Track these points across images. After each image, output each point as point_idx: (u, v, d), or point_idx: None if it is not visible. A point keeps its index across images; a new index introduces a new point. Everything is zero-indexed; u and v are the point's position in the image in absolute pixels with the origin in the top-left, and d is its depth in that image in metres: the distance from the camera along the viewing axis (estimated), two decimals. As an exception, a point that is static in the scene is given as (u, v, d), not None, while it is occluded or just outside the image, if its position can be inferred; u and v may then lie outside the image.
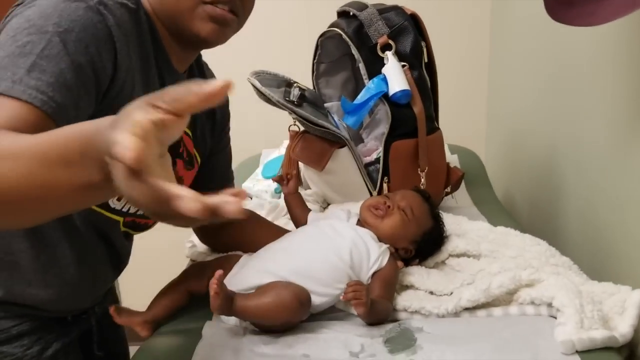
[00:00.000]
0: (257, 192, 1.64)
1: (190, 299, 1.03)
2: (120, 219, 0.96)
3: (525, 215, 1.77)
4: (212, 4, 0.84)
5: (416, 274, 1.05)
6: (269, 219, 1.36)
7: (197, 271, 1.05)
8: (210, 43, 0.89)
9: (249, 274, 0.97)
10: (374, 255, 1.00)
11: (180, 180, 1.01)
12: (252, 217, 1.19)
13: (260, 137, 2.06)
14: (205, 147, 1.09)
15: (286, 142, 1.73)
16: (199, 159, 1.07)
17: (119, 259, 1.04)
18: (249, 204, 1.49)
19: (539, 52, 1.64)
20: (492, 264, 1.03)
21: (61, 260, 0.90)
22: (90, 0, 0.75)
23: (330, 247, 0.99)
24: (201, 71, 1.06)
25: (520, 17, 1.84)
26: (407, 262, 1.08)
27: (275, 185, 1.61)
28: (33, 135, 0.56)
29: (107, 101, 0.79)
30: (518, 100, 1.88)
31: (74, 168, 0.51)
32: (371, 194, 1.36)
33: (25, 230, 0.85)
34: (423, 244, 1.07)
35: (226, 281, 0.99)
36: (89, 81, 0.74)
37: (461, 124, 2.03)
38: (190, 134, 1.02)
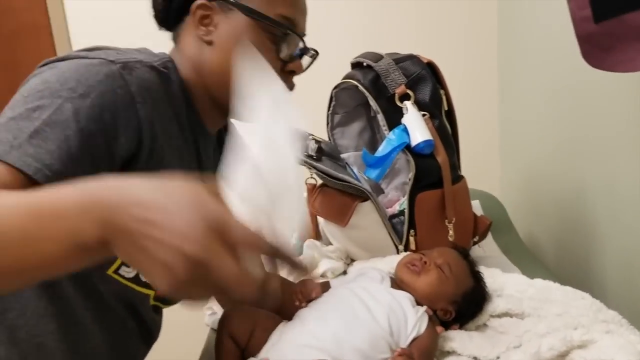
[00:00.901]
0: (275, 249, 1.58)
1: None
2: (151, 293, 0.91)
3: (553, 260, 1.71)
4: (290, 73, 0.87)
5: (457, 339, 0.98)
6: (290, 278, 1.30)
7: (237, 319, 0.98)
8: None
9: (288, 349, 0.91)
10: (411, 320, 0.94)
11: None
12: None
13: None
14: None
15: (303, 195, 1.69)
16: None
17: (150, 334, 0.98)
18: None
19: (555, 90, 1.61)
20: (538, 324, 0.97)
21: (91, 340, 0.85)
22: (114, 65, 0.73)
23: (367, 314, 0.93)
24: (226, 128, 1.03)
25: (529, 53, 1.82)
26: (447, 326, 1.02)
27: (294, 240, 1.56)
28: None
29: (139, 166, 0.76)
30: (532, 140, 1.85)
31: (67, 222, 0.49)
32: (397, 248, 1.31)
33: (53, 310, 0.79)
34: (463, 304, 1.01)
35: (265, 351, 0.93)
36: (99, 149, 0.71)
37: (473, 164, 2.00)
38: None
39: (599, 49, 0.81)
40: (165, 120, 0.80)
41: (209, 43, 0.84)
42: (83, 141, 0.69)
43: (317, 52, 0.91)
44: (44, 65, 0.75)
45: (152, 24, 0.93)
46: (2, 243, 0.50)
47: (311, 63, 0.92)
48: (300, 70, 0.90)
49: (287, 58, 0.87)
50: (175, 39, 0.90)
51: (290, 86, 0.89)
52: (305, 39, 0.91)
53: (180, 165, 0.83)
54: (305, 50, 0.90)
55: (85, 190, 0.51)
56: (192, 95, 0.85)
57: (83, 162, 0.69)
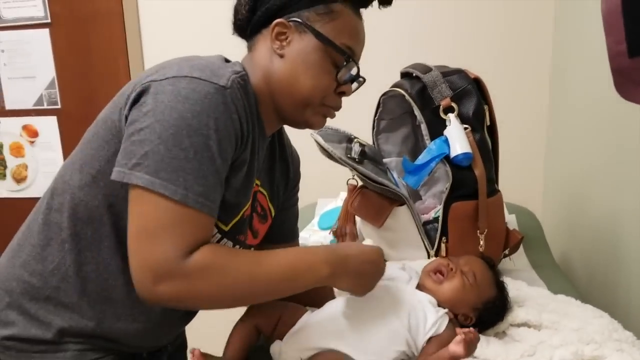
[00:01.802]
0: (314, 243, 1.66)
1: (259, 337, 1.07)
2: None
3: (584, 280, 1.73)
4: (333, 108, 1.01)
5: (475, 342, 1.04)
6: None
7: (264, 310, 1.07)
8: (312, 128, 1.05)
9: (311, 334, 0.99)
10: (431, 320, 1.00)
11: (256, 234, 1.07)
12: None
13: (316, 186, 2.09)
14: (278, 202, 1.14)
15: (343, 194, 1.77)
16: (273, 213, 1.12)
17: None
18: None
19: (605, 113, 1.63)
20: (554, 336, 1.02)
21: None
22: (226, 91, 0.85)
23: (389, 308, 1.00)
24: (280, 132, 1.14)
25: (581, 78, 1.84)
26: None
27: (331, 237, 1.63)
28: (268, 254, 0.89)
29: (233, 168, 0.91)
30: (577, 162, 1.86)
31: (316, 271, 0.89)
32: (428, 253, 1.37)
33: (122, 267, 0.91)
34: (484, 312, 1.06)
35: (285, 339, 1.02)
36: (225, 172, 0.88)
37: (517, 181, 2.03)
38: (267, 191, 1.09)
39: (631, 83, 0.85)
40: (249, 129, 0.92)
41: (281, 56, 0.96)
42: (222, 170, 0.86)
43: (364, 80, 1.03)
44: (153, 80, 0.85)
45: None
46: (277, 281, 0.87)
47: (357, 88, 1.04)
48: (349, 93, 1.02)
49: (342, 81, 0.99)
50: (250, 47, 1.01)
51: (339, 106, 1.02)
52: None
53: (251, 165, 0.95)
54: (357, 77, 1.01)
55: (329, 256, 0.91)
56: (259, 100, 0.96)
57: (221, 187, 0.87)
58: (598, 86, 1.66)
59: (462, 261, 1.10)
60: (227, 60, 0.96)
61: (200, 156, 0.81)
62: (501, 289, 1.10)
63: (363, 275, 0.95)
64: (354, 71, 0.99)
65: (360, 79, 1.02)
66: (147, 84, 0.85)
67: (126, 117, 0.86)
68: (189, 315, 1.11)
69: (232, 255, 0.86)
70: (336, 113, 1.03)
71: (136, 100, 0.85)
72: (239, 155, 0.90)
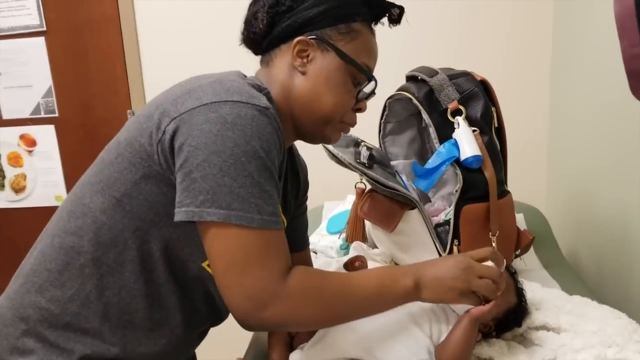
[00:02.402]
0: (323, 247, 1.66)
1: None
2: None
3: (594, 278, 1.73)
4: (350, 125, 1.03)
5: (495, 347, 1.04)
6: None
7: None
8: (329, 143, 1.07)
9: (334, 344, 0.98)
10: (453, 324, 1.00)
11: None
12: None
13: (322, 189, 2.08)
14: (290, 213, 1.13)
15: (350, 197, 1.76)
16: (285, 224, 1.11)
17: (219, 316, 1.07)
18: (316, 262, 1.51)
19: (605, 109, 1.63)
20: (574, 340, 1.01)
21: (172, 321, 0.96)
22: (268, 111, 0.85)
23: (412, 317, 0.99)
24: (291, 149, 1.14)
25: (581, 75, 1.84)
26: (484, 336, 1.07)
27: (340, 241, 1.63)
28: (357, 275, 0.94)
29: None
30: (580, 158, 1.86)
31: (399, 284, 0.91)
32: (440, 256, 1.36)
33: (146, 291, 0.91)
34: (504, 319, 1.06)
35: (306, 348, 1.01)
36: (280, 188, 0.91)
37: (521, 179, 2.03)
38: (280, 203, 1.07)
39: (648, 85, 0.85)
40: (282, 139, 0.92)
41: (303, 73, 0.96)
42: (278, 185, 0.88)
43: (375, 94, 1.05)
44: (200, 105, 0.84)
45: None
46: (368, 297, 0.90)
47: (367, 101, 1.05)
48: (364, 109, 1.03)
49: (360, 99, 1.00)
50: (267, 61, 1.00)
51: (355, 122, 1.03)
52: None
53: (283, 171, 0.96)
54: (372, 94, 1.03)
55: (409, 268, 0.94)
56: (278, 114, 0.95)
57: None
58: (598, 81, 1.66)
59: None
60: (243, 77, 0.96)
61: (263, 177, 0.82)
62: (520, 295, 1.10)
63: (445, 279, 0.92)
64: (370, 89, 1.01)
65: (373, 94, 1.04)
66: (185, 114, 0.83)
67: (170, 150, 0.84)
68: (205, 332, 1.10)
69: (324, 276, 0.89)
70: None
71: (175, 131, 0.83)
72: (280, 168, 0.91)
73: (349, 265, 1.16)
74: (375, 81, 1.00)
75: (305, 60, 0.96)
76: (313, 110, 0.97)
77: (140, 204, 0.88)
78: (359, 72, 0.97)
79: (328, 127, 1.00)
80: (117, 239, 0.89)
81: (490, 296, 0.94)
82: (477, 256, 0.97)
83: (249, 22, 1.00)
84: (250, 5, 1.00)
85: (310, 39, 0.95)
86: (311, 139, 1.04)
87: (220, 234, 0.81)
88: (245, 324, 0.85)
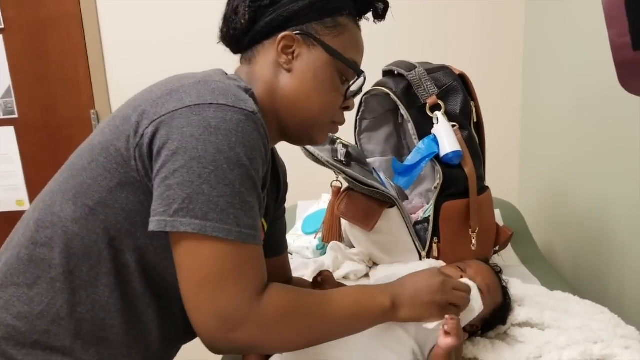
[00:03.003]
0: (298, 248, 1.61)
1: None
2: None
3: (569, 271, 1.73)
4: (338, 124, 0.97)
5: (480, 346, 1.02)
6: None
7: None
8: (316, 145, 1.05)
9: (312, 349, 0.94)
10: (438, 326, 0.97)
11: None
12: (299, 284, 1.18)
13: (295, 188, 2.04)
14: (270, 216, 1.08)
15: (325, 195, 1.73)
16: (266, 229, 1.06)
17: None
18: (292, 263, 1.47)
19: (577, 102, 1.63)
20: (559, 336, 0.99)
21: (148, 337, 0.89)
22: (255, 116, 0.79)
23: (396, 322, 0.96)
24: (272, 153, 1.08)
25: (554, 65, 1.84)
26: (470, 335, 1.05)
27: (317, 241, 1.59)
28: (329, 294, 0.87)
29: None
30: (553, 152, 1.87)
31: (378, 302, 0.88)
32: (420, 255, 1.34)
33: (122, 306, 0.84)
34: (490, 319, 1.04)
35: (285, 354, 0.97)
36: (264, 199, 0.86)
37: (493, 175, 2.02)
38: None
39: (635, 75, 0.83)
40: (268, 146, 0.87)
41: (289, 70, 0.91)
42: (261, 196, 0.82)
43: (361, 91, 1.00)
44: (179, 108, 0.78)
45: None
46: (345, 318, 0.85)
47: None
48: (352, 108, 0.99)
49: (348, 96, 0.96)
50: (248, 59, 0.94)
51: (343, 121, 0.98)
52: None
53: (267, 180, 0.90)
54: (360, 91, 0.98)
55: (385, 288, 0.90)
56: (263, 115, 0.90)
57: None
58: (569, 76, 1.67)
59: (473, 271, 1.06)
60: (225, 74, 0.90)
61: (245, 187, 0.77)
62: (506, 295, 1.08)
63: (422, 296, 0.90)
64: (359, 85, 0.96)
65: (360, 92, 0.99)
66: (165, 116, 0.78)
67: (148, 155, 0.78)
68: (181, 345, 1.04)
69: (302, 295, 0.83)
70: None
71: (154, 134, 0.77)
72: (265, 178, 0.86)
73: (314, 282, 1.11)
74: (365, 77, 0.95)
75: (290, 57, 0.90)
76: (300, 110, 0.92)
77: (115, 213, 0.81)
78: (348, 67, 0.92)
79: (316, 128, 0.95)
80: (91, 250, 0.82)
81: (463, 308, 0.94)
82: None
83: (228, 18, 0.94)
84: (230, 0, 0.95)
85: (296, 34, 0.89)
86: (297, 140, 0.98)
87: (193, 247, 0.75)
88: (213, 346, 0.78)
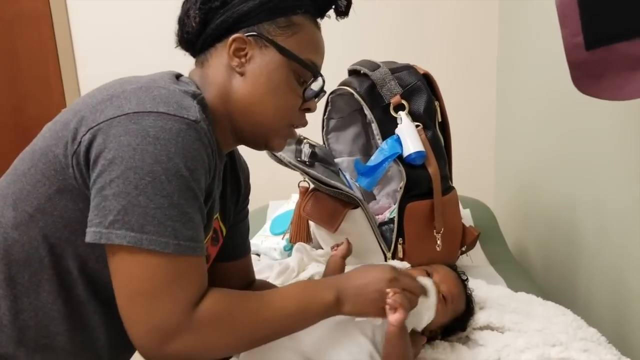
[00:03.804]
0: (266, 249, 1.59)
1: None
2: None
3: (541, 272, 1.73)
4: (297, 126, 0.94)
5: (439, 349, 1.01)
6: (279, 281, 1.32)
7: None
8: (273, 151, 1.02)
9: (267, 347, 0.92)
10: None
11: (207, 258, 0.98)
12: (262, 287, 1.16)
13: (267, 188, 2.02)
14: (229, 220, 1.06)
15: (295, 196, 1.70)
16: (224, 232, 1.04)
17: None
18: (258, 264, 1.45)
19: (550, 104, 1.63)
20: (518, 339, 0.99)
21: (96, 343, 0.87)
22: (197, 125, 0.76)
23: (352, 321, 0.94)
24: (231, 152, 1.06)
25: (527, 69, 1.84)
26: (429, 339, 1.03)
27: (284, 242, 1.57)
28: (273, 293, 0.85)
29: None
30: (527, 152, 1.86)
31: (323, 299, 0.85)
32: (385, 255, 1.32)
33: (66, 312, 0.82)
34: (450, 326, 1.03)
35: (246, 354, 0.95)
36: (205, 208, 0.82)
37: (468, 173, 2.02)
38: (219, 211, 1.00)
39: (588, 76, 0.82)
40: (215, 159, 0.84)
41: (241, 74, 0.88)
42: (202, 207, 0.79)
43: (325, 92, 0.96)
44: (113, 117, 0.75)
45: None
46: (288, 317, 0.83)
47: (318, 100, 0.97)
48: (314, 109, 0.95)
49: (308, 98, 0.92)
50: (202, 62, 0.92)
51: (304, 123, 0.95)
52: None
53: (213, 190, 0.87)
54: (321, 92, 0.94)
55: (331, 282, 0.89)
56: (214, 121, 0.87)
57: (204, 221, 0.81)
58: (543, 76, 1.66)
59: (439, 277, 1.04)
60: (177, 77, 0.87)
61: (184, 199, 0.74)
62: (469, 302, 1.07)
63: (367, 293, 0.86)
64: (318, 86, 0.93)
65: (323, 93, 0.96)
66: (103, 123, 0.75)
67: (85, 163, 0.76)
68: (134, 350, 1.02)
69: (239, 299, 0.81)
70: None
71: (91, 142, 0.75)
72: (209, 188, 0.83)
73: None
74: (323, 77, 0.93)
75: (243, 60, 0.87)
76: (254, 114, 0.89)
77: (54, 221, 0.79)
78: (304, 68, 0.89)
79: (271, 133, 0.92)
80: (31, 257, 0.80)
81: (408, 310, 0.88)
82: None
83: (182, 21, 0.91)
84: (184, 3, 0.92)
85: (247, 35, 0.87)
86: (253, 145, 0.95)
87: (128, 259, 0.73)
88: (148, 358, 0.76)
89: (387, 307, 0.85)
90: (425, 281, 0.98)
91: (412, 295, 0.89)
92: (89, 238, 0.73)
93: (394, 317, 0.85)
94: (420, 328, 0.95)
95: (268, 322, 0.82)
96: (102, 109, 0.77)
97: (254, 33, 0.87)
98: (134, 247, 0.72)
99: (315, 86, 0.93)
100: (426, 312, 0.94)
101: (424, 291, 0.94)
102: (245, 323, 0.80)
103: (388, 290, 0.86)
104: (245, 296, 0.83)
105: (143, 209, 0.71)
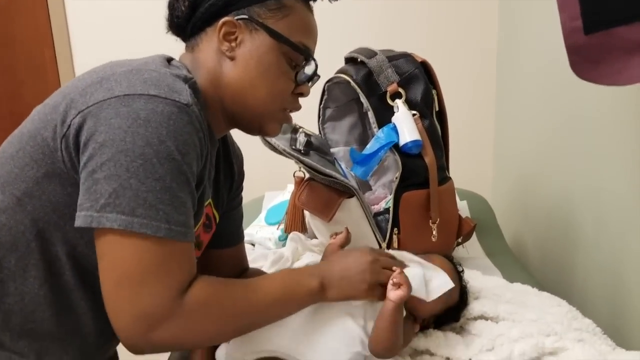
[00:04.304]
0: (261, 239, 1.58)
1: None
2: None
3: (537, 264, 1.72)
4: (291, 110, 0.93)
5: (432, 339, 1.00)
6: (272, 270, 1.30)
7: None
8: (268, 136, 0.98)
9: (257, 335, 0.91)
10: None
11: (200, 245, 0.98)
12: (255, 275, 1.14)
13: (263, 179, 2.02)
14: (222, 206, 1.05)
15: (291, 186, 1.69)
16: (217, 219, 1.03)
17: None
18: (252, 254, 1.44)
19: (550, 96, 1.61)
20: (512, 329, 0.97)
21: (83, 329, 0.86)
22: (189, 108, 0.75)
23: (344, 308, 0.93)
24: (224, 137, 1.05)
25: (528, 57, 1.82)
26: (422, 328, 1.02)
27: (279, 232, 1.56)
28: (261, 280, 0.86)
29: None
30: (526, 144, 1.85)
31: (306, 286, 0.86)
32: (380, 245, 1.31)
33: (52, 298, 0.81)
34: (443, 315, 1.02)
35: (234, 340, 0.94)
36: (196, 193, 0.81)
37: (467, 165, 2.01)
38: (212, 198, 0.99)
39: (587, 61, 0.81)
40: (207, 143, 0.83)
41: (231, 58, 0.87)
42: (193, 191, 0.78)
43: (319, 77, 0.95)
44: (104, 99, 0.74)
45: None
46: (273, 304, 0.84)
47: (312, 85, 0.96)
48: (307, 93, 0.94)
49: (300, 82, 0.91)
50: (192, 46, 0.91)
51: (298, 107, 0.94)
52: None
53: (204, 176, 0.86)
54: (314, 76, 0.93)
55: (314, 269, 0.90)
56: (206, 105, 0.87)
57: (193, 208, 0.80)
58: (544, 67, 1.64)
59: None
60: (168, 60, 0.86)
61: (176, 182, 0.73)
62: (464, 295, 1.06)
63: (351, 276, 0.89)
64: (311, 70, 0.92)
65: (317, 77, 0.94)
66: (93, 106, 0.73)
67: (75, 147, 0.74)
68: None
69: (226, 286, 0.81)
70: None
71: (81, 126, 0.73)
72: (201, 174, 0.82)
73: None
74: (315, 60, 0.91)
75: (233, 44, 0.86)
76: (246, 99, 0.88)
77: (42, 205, 0.78)
78: (295, 51, 0.88)
79: (265, 117, 0.91)
80: (18, 241, 0.79)
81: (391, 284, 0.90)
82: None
83: (172, 6, 0.90)
84: None
85: (237, 19, 0.86)
86: (247, 129, 0.94)
87: (117, 243, 0.72)
88: (133, 347, 0.75)
89: (391, 283, 0.87)
90: (394, 252, 1.01)
91: (391, 274, 0.90)
92: (79, 222, 0.72)
93: (395, 294, 0.86)
94: (429, 298, 0.94)
95: (254, 308, 0.82)
96: (92, 92, 0.75)
97: (244, 16, 0.86)
98: (124, 231, 0.71)
99: (308, 70, 0.92)
100: (435, 280, 0.95)
101: (403, 267, 0.95)
102: (232, 310, 0.79)
103: (394, 267, 0.89)
104: (232, 283, 0.82)
105: (134, 192, 0.70)
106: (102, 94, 0.74)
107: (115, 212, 0.70)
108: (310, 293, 0.86)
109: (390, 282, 0.87)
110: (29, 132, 0.80)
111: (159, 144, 0.72)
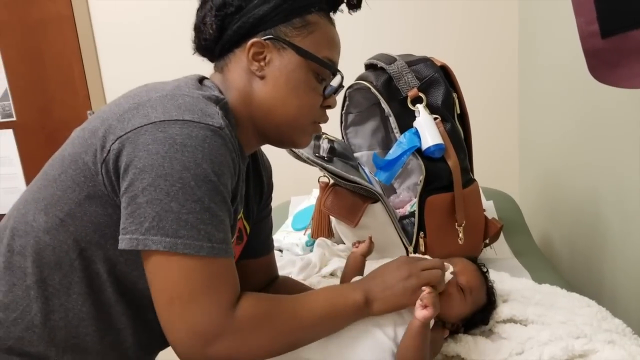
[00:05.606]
0: (288, 245, 1.60)
1: None
2: None
3: (566, 264, 1.70)
4: (319, 122, 0.96)
5: (462, 343, 1.00)
6: (301, 277, 1.33)
7: None
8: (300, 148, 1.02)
9: (288, 358, 0.93)
10: None
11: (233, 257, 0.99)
12: (285, 283, 1.17)
13: (289, 184, 2.03)
14: (253, 218, 1.07)
15: (316, 191, 1.71)
16: (248, 231, 1.05)
17: None
18: (280, 260, 1.46)
19: (575, 95, 1.60)
20: (542, 332, 0.97)
21: (124, 344, 0.90)
22: (222, 131, 0.78)
23: (373, 320, 0.94)
24: (255, 153, 1.07)
25: (549, 57, 1.80)
26: (452, 332, 1.03)
27: (306, 237, 1.58)
28: (303, 297, 0.87)
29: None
30: (551, 141, 1.83)
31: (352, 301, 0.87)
32: (407, 250, 1.32)
33: (95, 314, 0.85)
34: (472, 319, 1.02)
35: None
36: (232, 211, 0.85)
37: (493, 164, 2.00)
38: (242, 210, 1.01)
39: (605, 64, 0.80)
40: (239, 162, 0.86)
41: (261, 77, 0.89)
42: (231, 210, 0.82)
43: (344, 87, 0.98)
44: (142, 126, 0.77)
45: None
46: (320, 319, 0.85)
47: (337, 95, 0.98)
48: (335, 105, 0.96)
49: (328, 95, 0.94)
50: (221, 67, 0.93)
51: (326, 119, 0.97)
52: None
53: (238, 192, 0.89)
54: (340, 88, 0.96)
55: (355, 284, 0.91)
56: (237, 123, 0.89)
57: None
58: (567, 66, 1.63)
59: (457, 269, 1.02)
60: (200, 81, 0.89)
61: (214, 202, 0.76)
62: (491, 296, 1.06)
63: (393, 285, 0.89)
64: (337, 82, 0.94)
65: (342, 87, 0.97)
66: (131, 132, 0.77)
67: (115, 171, 0.78)
68: (159, 350, 1.04)
69: (274, 302, 0.83)
70: None
71: (120, 151, 0.77)
72: (234, 191, 0.85)
73: None
74: (341, 74, 0.94)
75: (262, 64, 0.88)
76: (278, 116, 0.90)
77: (84, 225, 0.81)
78: (322, 67, 0.90)
79: (296, 132, 0.93)
80: (62, 260, 0.83)
81: (438, 286, 0.91)
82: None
83: (198, 29, 0.93)
84: (198, 10, 0.93)
85: (265, 39, 0.88)
86: (279, 144, 0.97)
87: (164, 264, 0.75)
88: None
89: (418, 303, 0.87)
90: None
91: (434, 273, 0.91)
92: (125, 245, 0.75)
93: (421, 313, 0.87)
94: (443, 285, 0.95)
95: (303, 325, 0.84)
96: (129, 118, 0.79)
97: (271, 36, 0.88)
98: (169, 252, 0.74)
99: (334, 82, 0.95)
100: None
101: (442, 265, 0.96)
102: (281, 325, 0.81)
103: (423, 287, 0.88)
104: (279, 299, 0.85)
105: (176, 214, 0.74)
106: (139, 120, 0.77)
107: (160, 235, 0.74)
108: (356, 308, 0.87)
109: (419, 302, 0.87)
110: (70, 156, 0.83)
111: (195, 167, 0.75)
